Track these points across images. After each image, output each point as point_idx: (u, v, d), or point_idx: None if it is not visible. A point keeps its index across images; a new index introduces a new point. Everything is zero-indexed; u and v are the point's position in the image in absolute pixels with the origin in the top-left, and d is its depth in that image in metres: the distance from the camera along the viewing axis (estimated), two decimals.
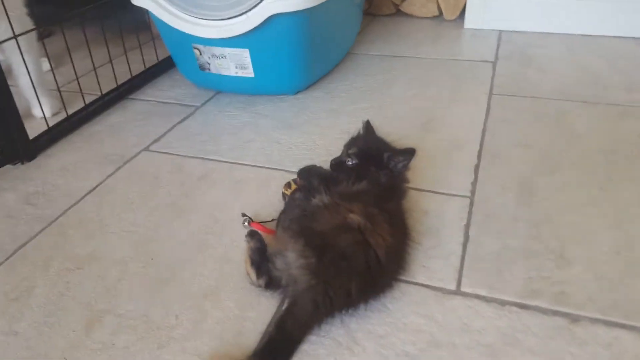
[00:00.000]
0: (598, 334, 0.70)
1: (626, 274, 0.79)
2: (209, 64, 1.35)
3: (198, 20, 1.25)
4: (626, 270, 0.79)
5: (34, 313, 0.79)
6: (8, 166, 1.15)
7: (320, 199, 0.82)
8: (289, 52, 1.29)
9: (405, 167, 0.88)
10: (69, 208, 1.02)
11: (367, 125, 0.98)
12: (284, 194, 0.95)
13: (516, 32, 1.74)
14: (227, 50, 1.29)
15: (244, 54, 1.29)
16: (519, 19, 1.73)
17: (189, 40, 1.31)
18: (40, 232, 0.96)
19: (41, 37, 1.38)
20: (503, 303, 0.75)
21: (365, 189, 0.83)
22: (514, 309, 0.74)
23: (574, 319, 0.72)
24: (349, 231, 0.75)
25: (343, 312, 0.74)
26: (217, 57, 1.32)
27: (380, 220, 0.77)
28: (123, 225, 0.96)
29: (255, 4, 1.19)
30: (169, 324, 0.75)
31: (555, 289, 0.77)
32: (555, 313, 0.73)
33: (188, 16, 1.26)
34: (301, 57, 1.33)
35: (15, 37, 1.16)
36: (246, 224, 0.90)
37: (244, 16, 1.21)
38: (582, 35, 1.68)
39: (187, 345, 0.71)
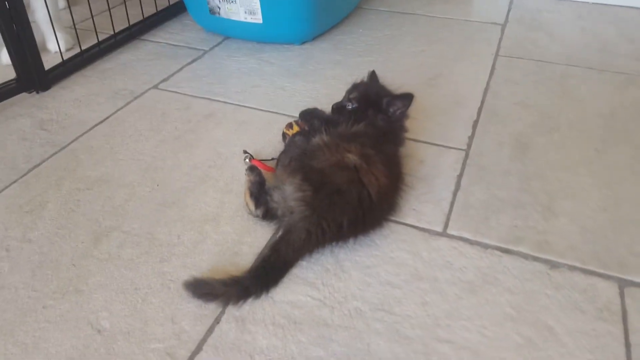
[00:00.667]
0: (575, 280, 0.74)
1: (609, 229, 0.82)
2: (219, 7, 1.36)
3: None
4: (610, 225, 0.83)
5: (47, 224, 0.84)
6: (24, 94, 1.19)
7: (320, 138, 0.85)
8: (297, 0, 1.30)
9: (404, 113, 0.91)
10: (81, 135, 1.06)
11: (372, 75, 1.00)
12: (284, 135, 0.99)
13: None
14: None
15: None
16: None
17: None
18: (53, 154, 1.00)
19: None
20: (486, 246, 0.80)
21: (363, 131, 0.86)
22: (497, 252, 0.79)
23: (554, 265, 0.76)
24: (345, 169, 0.79)
25: (333, 243, 0.79)
26: (227, 1, 1.33)
27: (376, 162, 0.81)
28: (131, 154, 1.00)
29: None
30: (171, 242, 0.80)
31: (538, 238, 0.81)
32: (536, 259, 0.77)
33: None
34: (308, 6, 1.33)
35: None
36: (247, 160, 0.94)
37: None
38: (595, 3, 1.67)
39: (187, 261, 0.77)
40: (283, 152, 0.93)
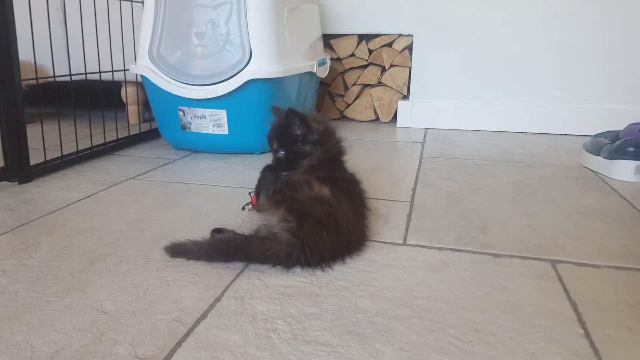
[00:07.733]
0: (511, 262, 0.90)
1: (527, 232, 1.02)
2: (190, 124, 1.60)
3: (185, 85, 1.54)
4: (526, 230, 1.02)
5: (41, 255, 0.91)
6: (5, 182, 1.28)
7: (299, 174, 0.96)
8: (258, 114, 1.57)
9: (312, 132, 1.01)
10: (66, 205, 1.15)
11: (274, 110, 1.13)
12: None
13: (438, 129, 2.15)
14: (208, 111, 1.57)
15: (222, 114, 1.56)
16: (439, 120, 2.16)
17: (175, 103, 1.58)
18: (40, 217, 1.08)
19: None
20: (440, 248, 0.95)
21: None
22: (449, 251, 0.94)
23: (496, 255, 0.92)
24: (323, 204, 0.89)
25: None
26: (198, 117, 1.58)
27: (341, 197, 0.92)
28: (117, 214, 1.10)
29: (235, 73, 1.50)
30: (165, 259, 0.89)
31: (481, 242, 0.98)
32: (481, 253, 0.93)
33: (177, 82, 1.55)
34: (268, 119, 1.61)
35: None
36: (250, 193, 1.10)
37: (225, 82, 1.51)
38: (491, 131, 2.11)
39: (182, 269, 0.87)
40: (260, 185, 1.03)
